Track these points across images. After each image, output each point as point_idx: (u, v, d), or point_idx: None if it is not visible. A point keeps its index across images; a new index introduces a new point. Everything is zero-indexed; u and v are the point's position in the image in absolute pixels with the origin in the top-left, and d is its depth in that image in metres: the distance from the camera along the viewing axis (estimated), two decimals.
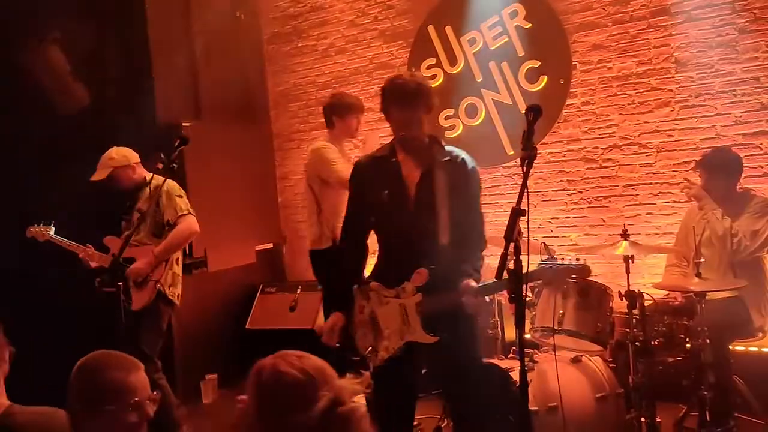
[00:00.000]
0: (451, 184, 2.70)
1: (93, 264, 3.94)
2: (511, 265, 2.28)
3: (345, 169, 3.99)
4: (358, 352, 2.85)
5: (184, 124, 5.28)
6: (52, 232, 4.08)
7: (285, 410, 1.37)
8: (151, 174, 4.02)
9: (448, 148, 2.82)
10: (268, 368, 1.42)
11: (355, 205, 2.95)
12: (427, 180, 2.73)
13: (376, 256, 2.97)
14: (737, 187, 3.84)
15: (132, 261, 3.83)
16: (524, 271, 2.28)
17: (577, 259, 2.67)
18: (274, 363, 1.42)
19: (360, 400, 1.45)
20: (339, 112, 4.31)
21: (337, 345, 2.83)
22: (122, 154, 4.01)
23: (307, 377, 1.39)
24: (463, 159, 2.80)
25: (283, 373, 1.40)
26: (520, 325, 2.35)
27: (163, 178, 3.71)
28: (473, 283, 2.62)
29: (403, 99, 2.69)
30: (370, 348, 2.78)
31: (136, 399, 1.83)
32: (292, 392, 1.38)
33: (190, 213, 3.93)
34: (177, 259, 4.02)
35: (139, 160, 4.08)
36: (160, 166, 3.77)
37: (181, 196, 3.95)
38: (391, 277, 2.77)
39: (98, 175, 3.97)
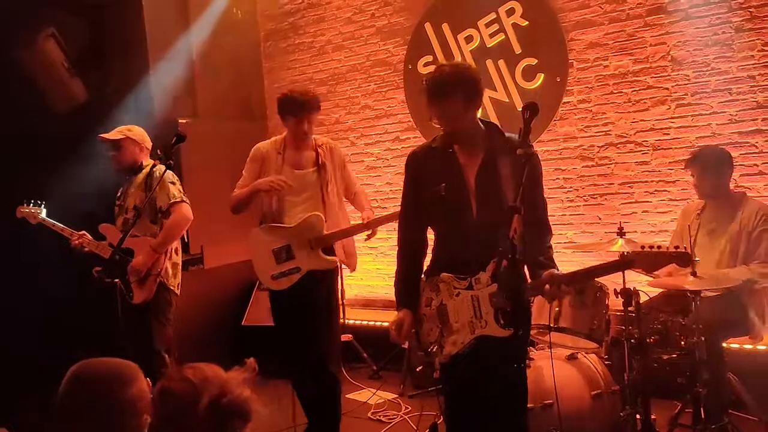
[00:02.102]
0: (513, 171, 2.52)
1: (87, 248, 3.92)
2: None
3: (241, 186, 3.75)
4: (422, 347, 2.75)
5: (180, 120, 5.28)
6: (43, 214, 4.07)
7: (175, 416, 1.64)
8: (150, 162, 4.01)
9: (507, 134, 2.68)
10: (156, 389, 1.69)
11: (411, 196, 2.83)
12: (487, 169, 2.63)
13: (433, 246, 2.84)
14: (731, 185, 3.84)
15: (130, 252, 3.83)
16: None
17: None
18: (160, 383, 1.69)
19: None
20: (291, 111, 3.73)
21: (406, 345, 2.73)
22: (141, 132, 4.03)
23: (186, 383, 1.64)
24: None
25: (165, 388, 1.67)
26: (518, 322, 2.34)
27: (160, 167, 3.73)
28: (557, 272, 2.54)
29: (433, 93, 2.60)
30: (434, 343, 2.69)
31: (143, 408, 1.81)
32: (175, 401, 1.64)
33: (183, 200, 3.89)
34: (176, 249, 4.01)
35: (150, 147, 4.06)
36: (157, 162, 3.77)
37: (173, 183, 3.91)
38: (461, 268, 2.65)
39: (110, 135, 3.95)
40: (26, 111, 4.89)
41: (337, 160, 3.85)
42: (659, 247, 2.53)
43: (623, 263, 2.61)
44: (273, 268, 3.73)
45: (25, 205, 4.10)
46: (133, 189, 3.96)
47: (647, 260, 2.51)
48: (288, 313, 3.74)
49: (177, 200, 3.85)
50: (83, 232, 3.97)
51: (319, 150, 3.79)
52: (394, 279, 2.85)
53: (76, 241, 3.95)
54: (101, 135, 3.96)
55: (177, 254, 4.01)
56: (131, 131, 3.98)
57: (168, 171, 3.80)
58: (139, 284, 3.81)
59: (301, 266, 3.69)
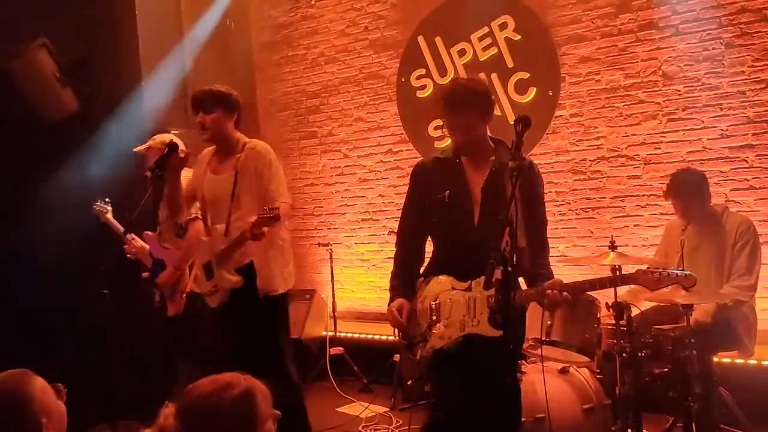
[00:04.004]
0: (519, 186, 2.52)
1: (132, 255, 4.05)
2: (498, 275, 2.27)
3: None
4: (405, 338, 2.79)
5: (173, 131, 5.26)
6: (110, 215, 4.18)
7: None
8: None
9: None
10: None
11: (414, 205, 2.88)
12: (494, 181, 2.68)
13: (432, 254, 2.89)
14: (710, 202, 3.83)
15: (164, 264, 3.88)
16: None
17: None
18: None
19: None
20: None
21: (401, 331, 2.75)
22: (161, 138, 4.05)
23: None
24: (530, 162, 2.74)
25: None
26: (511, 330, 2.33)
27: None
28: (560, 279, 2.59)
29: (450, 104, 2.67)
30: (419, 336, 2.73)
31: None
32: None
33: (198, 216, 3.78)
34: None
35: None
36: (147, 173, 3.74)
37: None
38: (461, 272, 2.70)
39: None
40: (16, 121, 4.86)
41: (253, 166, 3.37)
42: (664, 268, 2.55)
43: (626, 279, 2.67)
44: (205, 284, 3.47)
45: (100, 202, 4.19)
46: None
47: (650, 278, 2.54)
48: (210, 335, 3.56)
49: (192, 217, 3.76)
50: (132, 235, 4.05)
51: (240, 154, 3.41)
52: (390, 281, 2.86)
53: (128, 248, 4.06)
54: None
55: None
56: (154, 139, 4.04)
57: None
58: (170, 299, 3.86)
59: (218, 285, 3.39)
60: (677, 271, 2.53)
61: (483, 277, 2.57)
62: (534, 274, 2.67)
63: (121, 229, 4.11)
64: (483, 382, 2.61)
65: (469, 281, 2.68)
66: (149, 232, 3.97)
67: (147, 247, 3.99)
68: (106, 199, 4.21)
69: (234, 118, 3.46)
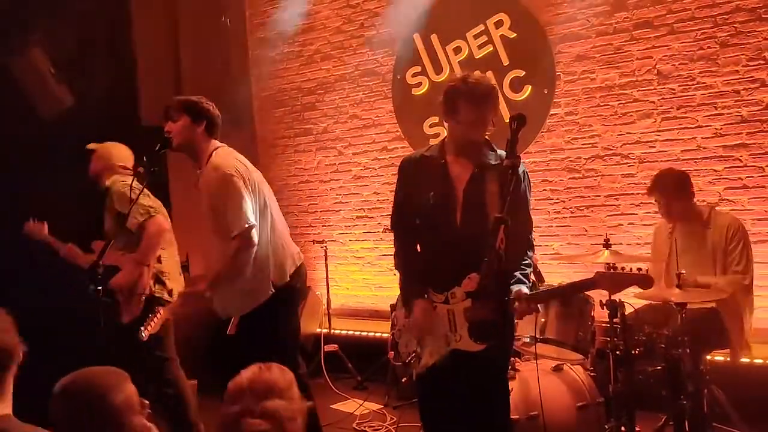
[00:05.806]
0: (501, 187, 2.53)
1: (79, 260, 3.88)
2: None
3: None
4: (401, 359, 2.80)
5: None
6: (45, 230, 4.08)
7: None
8: (113, 179, 3.89)
9: (500, 151, 2.69)
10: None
11: (402, 203, 2.87)
12: (476, 182, 2.66)
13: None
14: (694, 201, 3.82)
15: (116, 270, 3.69)
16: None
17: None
18: None
19: None
20: None
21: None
22: (110, 150, 3.97)
23: None
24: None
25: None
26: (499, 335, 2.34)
27: (119, 182, 3.72)
28: (525, 290, 2.57)
29: (478, 98, 2.59)
30: (413, 354, 2.73)
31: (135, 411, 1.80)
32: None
33: (156, 212, 3.73)
34: (158, 257, 3.82)
35: (121, 166, 3.96)
36: (141, 169, 3.70)
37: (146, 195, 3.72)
38: (439, 282, 2.69)
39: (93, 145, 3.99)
40: (11, 117, 4.85)
41: (206, 187, 3.33)
42: (623, 268, 2.59)
43: (587, 284, 2.74)
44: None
45: (32, 220, 4.10)
46: (106, 211, 3.86)
47: (610, 281, 2.64)
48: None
49: (151, 214, 3.69)
50: (70, 245, 3.92)
51: (204, 168, 3.36)
52: (406, 286, 2.83)
53: (64, 253, 3.91)
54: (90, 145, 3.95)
55: (160, 262, 3.84)
56: (102, 146, 3.94)
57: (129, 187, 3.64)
58: (127, 303, 3.68)
59: None
60: (634, 272, 2.61)
61: (457, 288, 2.62)
62: (511, 275, 2.64)
63: (58, 243, 4.00)
64: (473, 390, 2.64)
65: (446, 293, 2.67)
66: (98, 242, 3.75)
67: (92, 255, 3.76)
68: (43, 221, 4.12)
69: (202, 127, 3.35)
